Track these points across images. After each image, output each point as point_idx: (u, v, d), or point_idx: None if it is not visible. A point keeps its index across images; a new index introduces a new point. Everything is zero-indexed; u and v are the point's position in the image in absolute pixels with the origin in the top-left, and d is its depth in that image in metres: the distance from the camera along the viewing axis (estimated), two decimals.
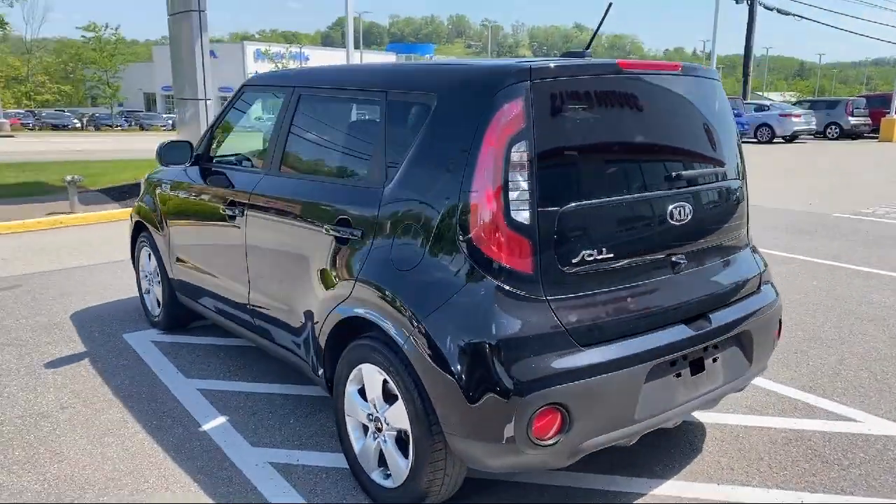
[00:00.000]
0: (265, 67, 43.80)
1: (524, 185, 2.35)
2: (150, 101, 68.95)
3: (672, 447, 3.30)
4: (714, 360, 2.81)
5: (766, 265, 3.26)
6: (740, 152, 3.18)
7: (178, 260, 4.51)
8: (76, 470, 3.13)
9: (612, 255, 2.52)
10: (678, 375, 2.65)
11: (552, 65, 2.49)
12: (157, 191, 4.73)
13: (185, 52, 11.06)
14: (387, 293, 2.62)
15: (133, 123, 51.27)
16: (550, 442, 2.32)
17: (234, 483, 3.01)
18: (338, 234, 2.91)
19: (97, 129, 47.88)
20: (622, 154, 2.66)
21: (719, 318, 2.81)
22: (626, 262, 2.57)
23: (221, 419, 3.61)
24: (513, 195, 2.35)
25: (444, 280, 2.46)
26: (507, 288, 2.36)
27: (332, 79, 3.38)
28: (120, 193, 11.54)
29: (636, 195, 2.62)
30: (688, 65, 2.96)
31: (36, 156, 20.34)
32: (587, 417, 2.36)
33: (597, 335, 2.44)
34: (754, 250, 3.29)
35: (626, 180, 2.61)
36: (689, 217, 2.76)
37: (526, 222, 2.35)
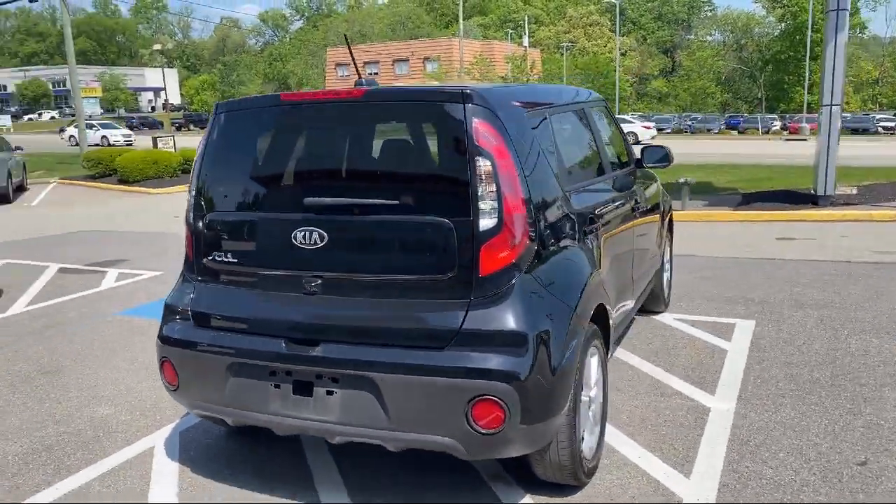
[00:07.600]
0: None
1: (193, 192, 3.29)
2: None
3: None
4: (329, 393, 2.81)
5: (513, 329, 2.67)
6: (467, 188, 2.70)
7: None
8: None
9: (235, 261, 3.17)
10: (276, 386, 2.94)
11: (235, 99, 3.36)
12: None
13: (822, 52, 10.83)
14: None
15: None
16: (173, 387, 3.22)
17: None
18: None
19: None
20: (262, 177, 3.27)
21: (331, 351, 2.81)
22: (251, 269, 3.14)
23: None
24: (188, 200, 3.32)
25: None
26: (186, 270, 3.37)
27: None
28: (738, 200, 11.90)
29: (258, 214, 3.17)
30: (376, 90, 2.94)
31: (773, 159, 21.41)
32: (187, 382, 3.17)
33: (206, 320, 3.20)
34: (518, 307, 2.71)
35: (258, 200, 3.24)
36: (322, 244, 2.85)
37: (191, 222, 3.28)
